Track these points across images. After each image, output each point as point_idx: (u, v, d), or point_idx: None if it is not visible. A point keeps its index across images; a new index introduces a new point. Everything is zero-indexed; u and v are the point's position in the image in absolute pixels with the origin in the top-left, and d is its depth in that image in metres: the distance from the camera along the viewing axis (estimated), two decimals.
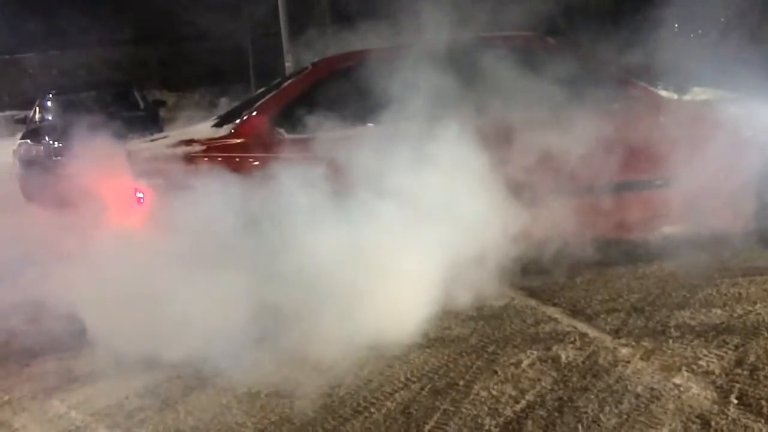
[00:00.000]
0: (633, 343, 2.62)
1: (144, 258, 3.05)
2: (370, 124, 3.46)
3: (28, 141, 7.48)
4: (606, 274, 3.43)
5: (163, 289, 2.89)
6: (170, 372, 2.84)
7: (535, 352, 2.64)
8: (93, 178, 3.48)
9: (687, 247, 3.53)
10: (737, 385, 2.24)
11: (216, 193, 3.14)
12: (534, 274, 3.51)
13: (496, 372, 2.52)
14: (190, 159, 3.36)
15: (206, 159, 3.37)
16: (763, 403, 2.12)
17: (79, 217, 3.57)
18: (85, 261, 3.23)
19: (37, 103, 8.66)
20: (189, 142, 3.47)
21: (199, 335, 2.86)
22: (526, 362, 2.57)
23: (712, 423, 2.04)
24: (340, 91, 3.60)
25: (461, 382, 2.48)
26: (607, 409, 2.18)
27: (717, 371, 2.34)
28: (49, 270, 3.44)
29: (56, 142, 6.80)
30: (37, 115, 8.42)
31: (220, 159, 3.39)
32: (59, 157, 6.45)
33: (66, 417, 2.56)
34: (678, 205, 3.41)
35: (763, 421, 2.03)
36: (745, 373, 2.31)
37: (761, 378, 2.26)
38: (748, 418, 2.05)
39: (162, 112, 9.84)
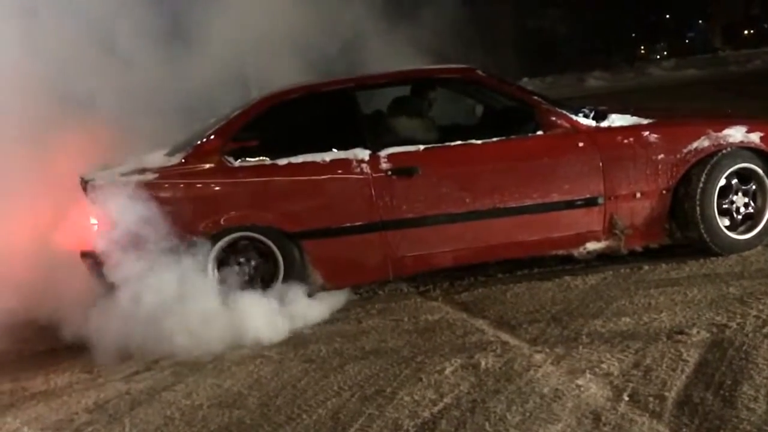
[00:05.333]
0: (547, 350, 2.86)
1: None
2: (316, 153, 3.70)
3: None
4: (534, 287, 3.68)
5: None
6: (120, 388, 3.02)
7: (458, 360, 2.87)
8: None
9: (610, 262, 3.82)
10: (631, 385, 2.48)
11: (165, 217, 3.43)
12: (470, 290, 3.77)
13: (421, 379, 2.74)
14: (142, 186, 3.55)
15: (157, 186, 3.57)
16: (650, 399, 2.36)
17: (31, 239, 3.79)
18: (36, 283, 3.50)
19: None
20: (142, 170, 3.66)
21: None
22: (449, 369, 2.80)
23: (603, 418, 2.28)
24: (286, 122, 3.85)
25: (388, 389, 2.69)
26: (513, 408, 2.41)
27: (615, 373, 2.58)
28: None
29: None
30: None
31: (170, 186, 3.60)
32: None
33: None
34: (601, 223, 3.71)
35: (647, 415, 2.27)
36: (640, 373, 2.56)
37: (653, 378, 2.51)
38: (635, 413, 2.29)
39: None
